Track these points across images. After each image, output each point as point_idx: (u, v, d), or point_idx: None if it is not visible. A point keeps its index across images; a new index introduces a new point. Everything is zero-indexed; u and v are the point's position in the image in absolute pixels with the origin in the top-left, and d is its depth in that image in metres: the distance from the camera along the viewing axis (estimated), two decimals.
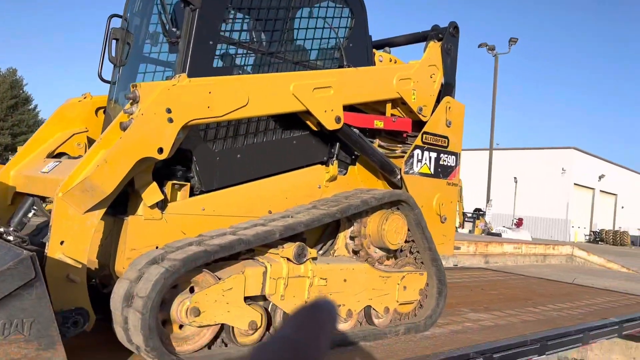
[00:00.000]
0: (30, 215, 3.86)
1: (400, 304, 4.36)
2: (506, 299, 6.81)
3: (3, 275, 2.25)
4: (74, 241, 2.99)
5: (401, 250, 4.54)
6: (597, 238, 42.53)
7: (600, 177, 44.76)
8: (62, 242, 2.96)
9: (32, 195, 3.83)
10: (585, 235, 43.60)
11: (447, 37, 4.99)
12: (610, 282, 10.76)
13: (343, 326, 3.97)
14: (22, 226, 3.86)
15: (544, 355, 4.61)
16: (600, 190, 45.90)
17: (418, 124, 4.81)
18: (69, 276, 2.94)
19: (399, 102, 4.71)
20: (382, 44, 5.20)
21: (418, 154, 4.72)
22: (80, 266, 2.99)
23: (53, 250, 2.92)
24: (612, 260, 16.51)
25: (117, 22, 4.32)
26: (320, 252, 4.16)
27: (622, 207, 50.26)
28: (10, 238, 2.98)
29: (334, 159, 4.39)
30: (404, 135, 4.82)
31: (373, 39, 4.80)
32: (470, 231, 29.51)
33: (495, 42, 33.28)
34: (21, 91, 54.72)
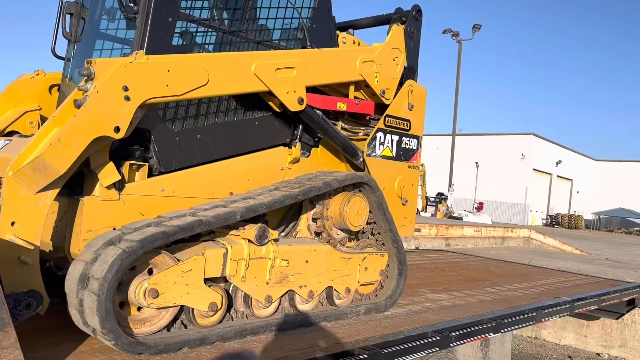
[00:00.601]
0: None
1: (361, 285, 4.42)
2: (465, 280, 6.99)
3: None
4: (25, 222, 2.89)
5: (362, 232, 4.58)
6: (553, 222, 44.11)
7: (557, 163, 46.27)
8: (12, 223, 2.85)
9: None
10: (543, 219, 45.14)
11: (410, 20, 5.00)
12: (564, 264, 11.19)
13: (304, 307, 3.99)
14: None
15: (500, 333, 4.77)
16: (558, 176, 47.49)
17: (381, 107, 4.84)
18: (21, 258, 2.84)
19: (362, 85, 4.72)
20: (346, 26, 5.17)
21: (380, 137, 4.75)
22: (32, 248, 2.89)
23: (3, 231, 2.82)
24: (567, 242, 17.14)
25: None
26: (283, 233, 4.16)
27: (578, 192, 52.18)
28: None
29: (297, 140, 4.37)
30: (367, 117, 4.83)
31: (337, 21, 4.77)
32: (432, 215, 30.12)
33: (459, 29, 33.62)
34: None
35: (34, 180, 2.88)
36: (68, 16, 4.06)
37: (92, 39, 4.21)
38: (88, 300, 2.79)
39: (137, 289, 3.01)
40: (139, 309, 3.14)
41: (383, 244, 4.66)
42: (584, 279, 8.42)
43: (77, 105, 3.01)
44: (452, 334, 4.12)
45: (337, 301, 4.24)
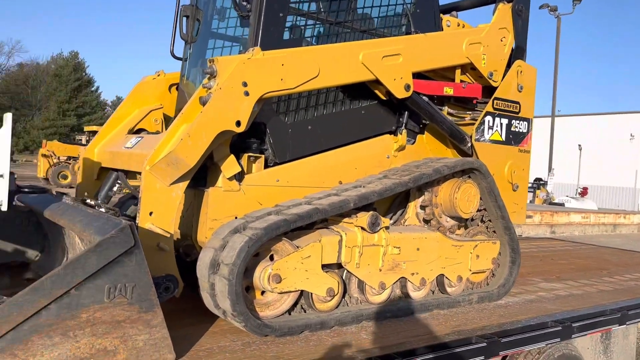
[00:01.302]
0: (115, 189, 4.07)
1: (473, 273, 4.33)
2: (578, 268, 6.61)
3: (107, 243, 2.40)
4: (161, 212, 3.14)
5: (472, 219, 4.48)
6: None
7: None
8: (150, 213, 3.11)
9: (116, 170, 4.04)
10: None
11: None
12: None
13: (416, 294, 3.99)
14: (108, 199, 4.08)
15: (624, 325, 4.48)
16: None
17: (488, 90, 4.68)
18: (159, 245, 3.10)
19: (468, 68, 4.60)
20: (449, 9, 5.06)
21: (489, 121, 4.60)
22: (168, 235, 3.14)
23: (143, 220, 3.08)
24: None
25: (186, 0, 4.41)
26: (391, 221, 4.17)
27: None
28: (102, 210, 3.15)
29: (403, 128, 4.36)
30: (474, 101, 4.70)
31: (440, 3, 4.67)
32: (530, 201, 28.65)
33: (557, 3, 31.53)
34: (84, 74, 57.10)
35: (167, 173, 3.12)
36: (184, 19, 4.32)
37: (206, 38, 4.45)
38: (219, 284, 2.99)
39: (261, 274, 3.17)
40: (262, 293, 3.30)
41: (494, 231, 4.53)
42: None
43: (203, 102, 3.21)
44: (573, 325, 3.93)
45: (448, 289, 4.19)
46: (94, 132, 25.78)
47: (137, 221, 3.08)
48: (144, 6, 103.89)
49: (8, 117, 2.98)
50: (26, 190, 3.55)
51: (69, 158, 23.40)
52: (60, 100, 53.34)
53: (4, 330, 2.18)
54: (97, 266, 2.38)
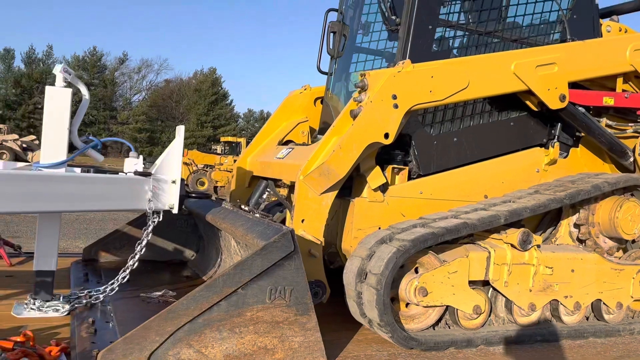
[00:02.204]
0: (264, 196, 4.33)
1: (635, 301, 3.93)
2: None
3: (270, 247, 2.56)
4: (312, 220, 3.28)
5: (634, 241, 4.08)
6: None
7: None
8: (303, 220, 3.27)
9: (266, 179, 4.29)
10: None
11: None
12: None
13: (569, 319, 3.71)
14: (258, 206, 4.36)
15: None
16: None
17: None
18: (310, 251, 3.23)
19: (631, 76, 4.23)
20: (608, 12, 4.68)
21: None
22: (318, 242, 3.27)
23: (296, 227, 3.24)
24: None
25: (333, 16, 4.59)
26: (542, 239, 3.94)
27: None
28: (257, 216, 3.37)
29: (555, 140, 4.11)
30: (638, 112, 4.29)
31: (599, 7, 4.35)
32: None
33: None
34: (220, 88, 61.65)
35: (319, 183, 3.25)
36: (332, 34, 4.49)
37: (350, 53, 4.58)
38: (367, 293, 3.03)
39: (408, 286, 3.16)
40: (407, 305, 3.29)
41: None
42: None
43: (353, 115, 3.30)
44: None
45: (606, 316, 3.84)
46: (228, 142, 27.72)
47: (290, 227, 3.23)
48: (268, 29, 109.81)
49: (181, 130, 3.31)
50: (193, 195, 3.91)
51: (206, 166, 25.30)
52: (199, 113, 58.09)
53: (183, 321, 2.41)
54: (261, 268, 2.55)
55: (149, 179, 3.12)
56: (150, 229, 3.21)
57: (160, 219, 3.22)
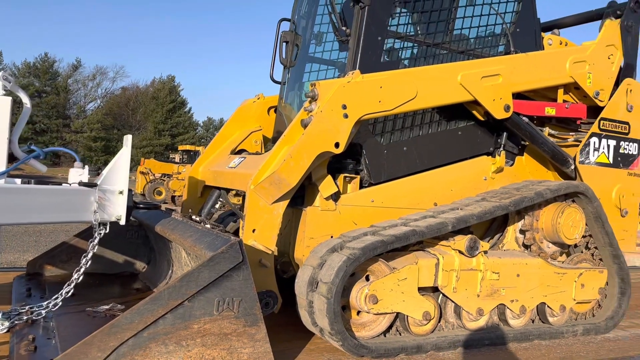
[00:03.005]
0: (217, 206, 4.29)
1: (577, 303, 4.09)
2: None
3: (218, 258, 2.53)
4: (263, 229, 3.26)
5: (576, 246, 4.24)
6: None
7: None
8: (254, 230, 3.25)
9: (219, 188, 4.25)
10: None
11: (627, 13, 4.53)
12: None
13: (515, 322, 3.83)
14: (210, 216, 4.31)
15: None
16: None
17: (593, 110, 4.45)
18: (261, 261, 3.22)
19: (571, 87, 4.41)
20: (550, 26, 4.89)
21: (595, 142, 4.37)
22: (269, 252, 3.26)
23: (247, 237, 3.22)
24: None
25: (286, 26, 4.61)
26: (489, 246, 4.04)
27: None
28: (208, 226, 3.33)
29: (501, 149, 4.24)
30: (578, 122, 4.49)
31: (541, 21, 4.53)
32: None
33: None
34: (178, 96, 60.73)
35: (270, 192, 3.24)
36: (284, 44, 4.50)
37: (303, 63, 4.61)
38: (318, 302, 3.04)
39: (358, 294, 3.19)
40: (358, 313, 3.32)
41: (600, 259, 4.26)
42: None
43: (304, 124, 3.32)
44: None
45: (550, 319, 3.98)
46: (187, 151, 27.32)
47: (240, 237, 3.21)
48: (229, 31, 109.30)
49: (128, 139, 3.24)
50: (141, 206, 3.83)
51: (163, 175, 24.83)
52: (157, 121, 56.98)
53: (127, 336, 2.35)
54: (208, 280, 2.52)
55: (94, 190, 3.04)
56: (96, 241, 3.12)
57: (107, 231, 3.14)
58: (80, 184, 3.07)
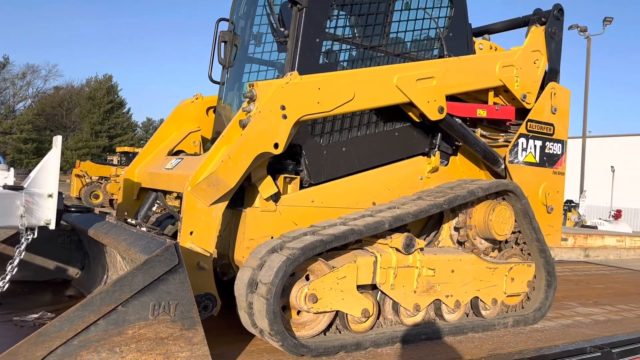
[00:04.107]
0: (154, 208, 4.19)
1: (508, 296, 4.28)
2: (616, 293, 6.45)
3: (153, 261, 2.48)
4: (201, 231, 3.22)
5: (506, 242, 4.45)
6: None
7: None
8: (191, 233, 3.20)
9: (156, 190, 4.16)
10: None
11: (551, 20, 4.80)
12: None
13: (451, 317, 3.96)
14: (147, 219, 4.20)
15: None
16: None
17: (522, 112, 4.69)
18: (199, 264, 3.18)
19: (501, 90, 4.62)
20: (481, 32, 5.11)
21: (523, 143, 4.60)
22: (208, 255, 3.22)
23: (184, 240, 3.17)
24: None
25: (224, 26, 4.57)
26: (425, 243, 4.17)
27: None
28: (144, 229, 3.25)
29: (436, 149, 4.38)
30: (507, 123, 4.71)
31: (472, 27, 4.72)
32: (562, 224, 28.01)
33: (587, 23, 31.19)
34: (116, 96, 58.69)
35: (208, 194, 3.21)
36: (223, 44, 4.46)
37: (242, 63, 4.58)
38: (257, 303, 3.03)
39: (298, 294, 3.21)
40: (298, 313, 3.34)
41: (529, 254, 4.49)
42: None
43: (242, 125, 3.31)
44: (613, 351, 3.84)
45: (483, 312, 4.15)
46: (125, 153, 26.50)
47: (177, 240, 3.16)
48: (172, 31, 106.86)
49: (58, 139, 3.11)
50: (73, 209, 3.69)
51: (101, 178, 24.01)
52: (93, 122, 54.81)
53: (55, 345, 2.26)
54: (143, 284, 2.46)
55: (20, 193, 2.89)
56: (23, 247, 2.97)
57: (35, 236, 3.00)
58: (5, 187, 2.92)
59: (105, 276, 3.85)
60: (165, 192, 4.20)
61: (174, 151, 4.47)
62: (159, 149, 4.48)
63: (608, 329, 4.46)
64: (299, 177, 3.78)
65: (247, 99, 3.38)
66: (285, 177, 3.71)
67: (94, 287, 3.94)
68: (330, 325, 3.43)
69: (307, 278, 3.34)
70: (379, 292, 3.62)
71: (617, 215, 31.72)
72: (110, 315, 2.39)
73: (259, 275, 3.07)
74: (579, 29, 28.96)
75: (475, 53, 4.60)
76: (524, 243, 4.47)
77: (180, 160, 3.95)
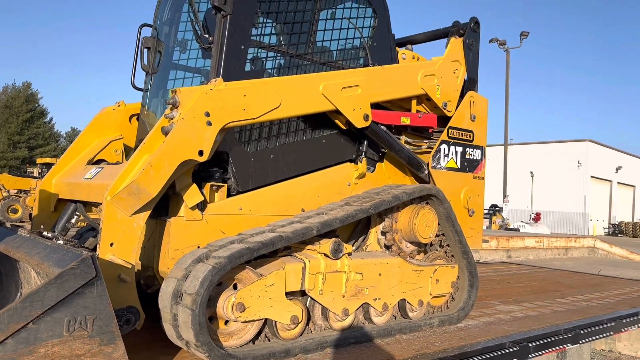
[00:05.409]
0: (73, 220, 3.99)
1: (434, 297, 4.43)
2: (534, 291, 6.83)
3: (67, 274, 2.36)
4: (122, 243, 3.10)
5: (431, 245, 4.60)
6: (616, 231, 42.07)
7: (617, 169, 44.24)
8: (111, 244, 3.08)
9: (75, 202, 3.97)
10: (604, 228, 43.14)
11: (468, 32, 5.05)
12: (636, 273, 10.69)
13: (379, 320, 4.04)
14: (66, 232, 4.00)
15: (578, 344, 4.64)
16: (618, 182, 45.36)
17: (443, 119, 4.89)
18: (120, 276, 3.05)
19: (423, 99, 4.79)
20: (404, 42, 5.28)
21: (444, 149, 4.78)
22: (129, 266, 3.10)
23: (104, 251, 3.04)
24: (635, 252, 16.34)
25: (147, 32, 4.45)
26: (353, 248, 4.23)
27: None
28: (61, 242, 3.09)
29: (363, 156, 4.47)
30: (430, 130, 4.89)
31: (396, 38, 4.87)
32: (487, 227, 29.39)
33: (506, 37, 33.01)
34: (36, 105, 55.57)
35: (129, 203, 3.10)
36: (146, 50, 4.35)
37: (167, 70, 4.48)
38: (182, 314, 2.96)
39: (225, 303, 3.16)
40: (226, 322, 3.28)
41: (452, 255, 4.66)
42: None
43: (165, 132, 3.23)
44: (530, 345, 4.06)
45: (410, 314, 4.26)
46: (47, 164, 25.13)
47: (97, 252, 3.03)
48: (99, 37, 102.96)
49: None
50: None
51: (20, 191, 22.62)
52: (11, 132, 51.57)
53: None
54: (56, 299, 2.33)
55: None
56: None
57: None
58: None
59: (19, 293, 3.61)
60: (85, 203, 4.02)
61: (94, 160, 4.29)
62: (78, 158, 4.29)
63: (526, 325, 4.71)
64: (226, 184, 3.74)
65: (170, 106, 3.30)
66: (211, 185, 3.65)
67: (6, 305, 3.69)
68: (259, 333, 3.40)
69: (235, 287, 3.30)
70: (308, 298, 3.64)
71: (537, 217, 33.67)
72: (20, 333, 2.24)
73: (184, 285, 3.00)
74: (498, 42, 30.59)
75: (398, 62, 4.75)
76: (448, 245, 4.64)
77: (100, 169, 3.79)
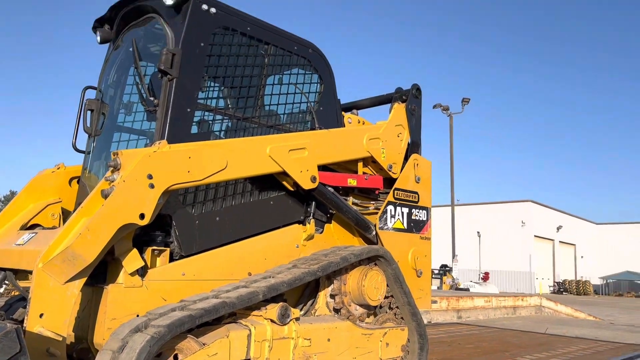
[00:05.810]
0: (1, 290, 3.73)
1: None
2: (484, 352, 6.82)
3: None
4: (53, 313, 2.90)
5: (381, 307, 4.56)
6: (561, 288, 43.36)
7: (558, 228, 46.19)
8: (41, 315, 2.87)
9: (4, 270, 3.72)
10: (550, 286, 44.40)
11: (410, 98, 5.27)
12: (581, 330, 10.93)
13: None
14: None
15: None
16: (560, 241, 47.24)
17: (389, 181, 4.98)
18: (49, 350, 2.83)
19: (369, 161, 4.89)
20: (350, 107, 5.45)
21: (391, 210, 4.85)
22: (60, 339, 2.89)
23: (32, 323, 2.83)
24: (579, 309, 16.79)
25: (91, 94, 4.41)
26: (302, 312, 4.14)
27: (582, 257, 51.68)
28: None
29: (311, 217, 4.47)
30: (376, 192, 4.96)
31: (341, 102, 5.02)
32: (438, 287, 29.65)
33: (449, 102, 34.74)
34: None
35: (63, 270, 2.93)
36: (89, 112, 4.28)
37: (111, 132, 4.41)
38: None
39: None
40: None
41: (402, 317, 4.62)
42: (604, 345, 8.22)
43: (105, 195, 3.12)
44: None
45: None
46: None
47: (25, 324, 2.81)
48: (41, 97, 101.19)
49: None
50: None
51: None
52: None
53: None
54: None
55: None
56: None
57: None
58: None
59: None
60: (16, 271, 3.77)
61: (29, 225, 4.08)
62: (11, 223, 4.06)
63: None
64: (168, 249, 3.61)
65: (111, 168, 3.22)
66: (153, 250, 3.53)
67: None
68: None
69: (176, 357, 3.12)
70: None
71: (485, 277, 34.31)
72: None
73: (120, 358, 2.80)
74: (442, 107, 32.15)
75: (344, 126, 4.87)
76: (397, 307, 4.60)
77: (34, 234, 3.60)
